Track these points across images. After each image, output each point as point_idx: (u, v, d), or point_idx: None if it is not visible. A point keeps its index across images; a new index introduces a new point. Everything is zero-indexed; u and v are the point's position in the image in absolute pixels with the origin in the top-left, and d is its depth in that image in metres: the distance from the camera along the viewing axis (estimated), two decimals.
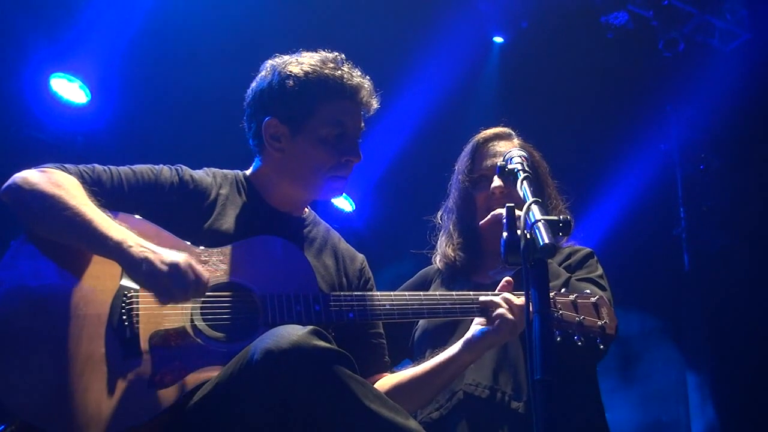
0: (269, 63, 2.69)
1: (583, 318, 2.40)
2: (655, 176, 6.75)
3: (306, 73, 2.59)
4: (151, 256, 2.13)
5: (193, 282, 2.13)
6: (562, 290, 2.49)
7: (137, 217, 2.36)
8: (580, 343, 2.37)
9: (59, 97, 5.41)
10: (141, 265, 2.11)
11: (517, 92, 6.55)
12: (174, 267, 2.11)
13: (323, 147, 2.59)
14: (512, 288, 2.54)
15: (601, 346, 2.37)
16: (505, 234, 1.97)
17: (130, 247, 2.14)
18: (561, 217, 1.94)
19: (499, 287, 2.54)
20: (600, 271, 2.92)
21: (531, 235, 1.89)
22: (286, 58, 2.67)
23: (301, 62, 2.62)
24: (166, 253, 2.15)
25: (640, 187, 6.62)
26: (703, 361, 6.69)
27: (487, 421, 2.67)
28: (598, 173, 6.58)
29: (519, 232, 1.93)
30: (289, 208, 2.71)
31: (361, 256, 2.85)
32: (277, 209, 2.68)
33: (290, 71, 2.60)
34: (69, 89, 5.44)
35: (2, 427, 2.06)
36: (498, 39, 6.58)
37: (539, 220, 1.90)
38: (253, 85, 2.70)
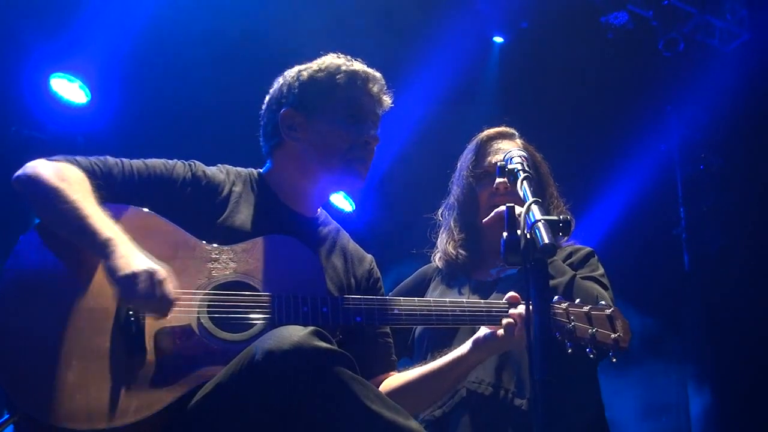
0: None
1: (597, 330, 2.34)
2: (655, 176, 6.75)
3: (320, 65, 2.68)
4: (131, 259, 2.12)
5: (157, 299, 2.11)
6: (577, 301, 2.43)
7: (146, 210, 2.36)
8: (592, 356, 2.32)
9: (59, 97, 5.41)
10: (118, 263, 2.11)
11: (517, 92, 6.55)
12: (147, 276, 2.10)
13: (340, 126, 2.61)
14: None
15: (614, 360, 2.31)
16: (505, 234, 1.97)
17: (116, 246, 2.15)
18: (561, 216, 1.94)
19: (505, 299, 2.50)
20: (601, 270, 2.93)
21: (531, 234, 1.89)
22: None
23: (314, 61, 2.70)
24: (145, 262, 2.14)
25: (640, 187, 6.61)
26: (703, 361, 6.69)
27: (490, 419, 2.67)
28: (598, 173, 6.57)
29: (519, 231, 1.93)
30: (303, 208, 2.70)
31: (369, 257, 2.84)
32: (291, 208, 2.67)
33: (305, 66, 2.69)
34: (69, 89, 5.44)
35: (6, 416, 2.06)
36: (498, 39, 6.58)
37: (539, 220, 1.90)
38: (268, 95, 2.76)
